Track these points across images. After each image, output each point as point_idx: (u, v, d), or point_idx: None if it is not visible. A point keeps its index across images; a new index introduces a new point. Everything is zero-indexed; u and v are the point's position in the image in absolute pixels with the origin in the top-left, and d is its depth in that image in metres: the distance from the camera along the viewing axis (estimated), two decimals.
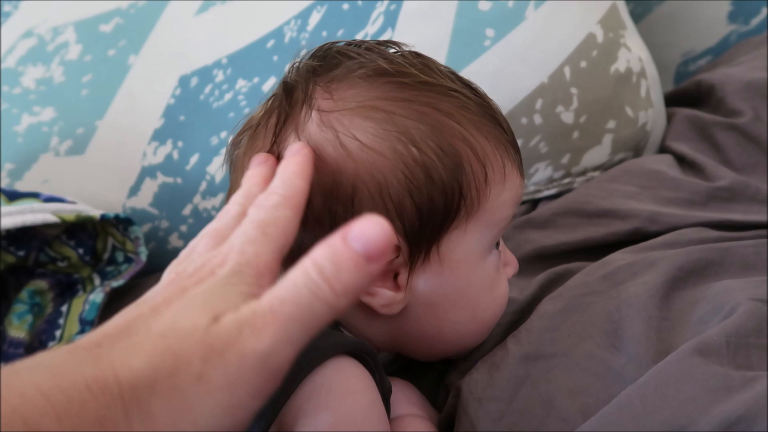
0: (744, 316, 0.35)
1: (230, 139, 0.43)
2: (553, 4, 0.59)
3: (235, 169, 0.41)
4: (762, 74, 0.59)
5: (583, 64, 0.58)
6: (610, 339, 0.39)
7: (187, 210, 0.67)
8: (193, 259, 0.29)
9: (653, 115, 0.60)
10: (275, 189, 0.31)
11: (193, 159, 0.66)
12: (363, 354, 0.34)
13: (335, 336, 0.35)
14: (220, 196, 0.66)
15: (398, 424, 0.37)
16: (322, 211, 0.35)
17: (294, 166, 0.32)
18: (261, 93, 0.64)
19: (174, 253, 0.70)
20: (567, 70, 0.58)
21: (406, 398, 0.39)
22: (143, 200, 0.68)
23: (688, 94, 0.66)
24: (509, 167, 0.37)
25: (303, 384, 0.32)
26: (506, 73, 0.58)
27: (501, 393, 0.37)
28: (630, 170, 0.55)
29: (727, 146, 0.56)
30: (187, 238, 0.68)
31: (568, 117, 0.58)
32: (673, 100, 0.67)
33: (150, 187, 0.67)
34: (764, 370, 0.32)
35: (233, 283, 0.26)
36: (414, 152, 0.34)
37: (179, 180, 0.67)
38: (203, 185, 0.66)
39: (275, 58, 0.65)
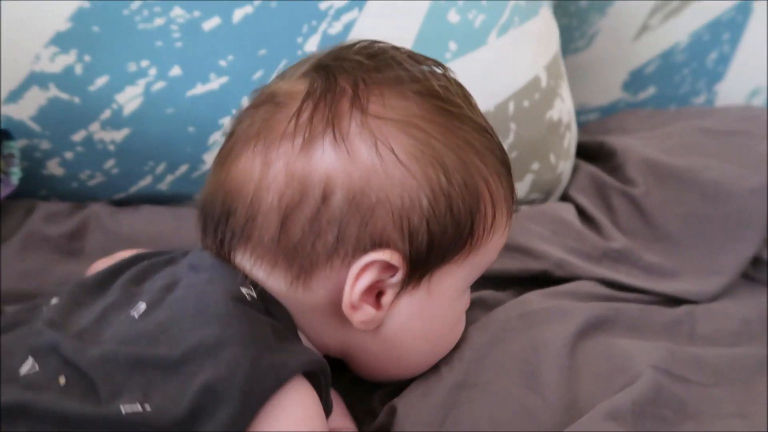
0: (646, 385, 0.40)
1: (238, 111, 0.39)
2: (514, 37, 0.62)
3: (237, 140, 0.38)
4: (657, 155, 0.67)
5: (526, 103, 0.62)
6: (528, 379, 0.42)
7: (78, 136, 0.58)
8: None
9: (569, 166, 0.66)
10: None
11: (101, 81, 0.58)
12: (318, 372, 0.34)
13: (297, 349, 0.34)
14: (125, 131, 0.58)
15: None
16: (334, 216, 0.33)
17: None
18: (200, 32, 0.58)
19: (50, 181, 0.61)
20: (511, 105, 0.61)
21: (338, 408, 0.39)
22: (24, 111, 0.58)
23: (590, 150, 0.73)
24: (507, 217, 0.38)
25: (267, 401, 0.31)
26: None
27: (432, 418, 0.39)
28: (545, 213, 0.60)
29: (619, 210, 0.64)
30: (71, 167, 0.59)
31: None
32: (577, 151, 0.73)
33: (36, 98, 0.57)
34: None
35: None
36: (443, 180, 0.34)
37: (77, 99, 0.58)
38: (107, 113, 0.58)
39: None
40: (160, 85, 0.58)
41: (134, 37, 0.58)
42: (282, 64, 0.58)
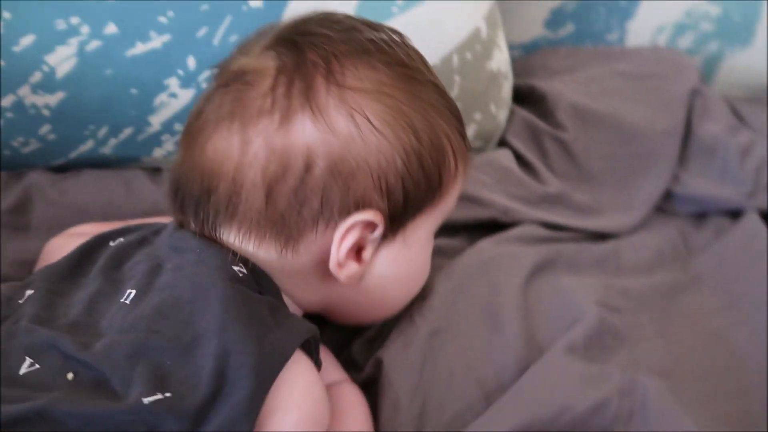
0: (593, 320, 0.47)
1: (205, 91, 0.39)
2: None
3: (207, 121, 0.38)
4: (582, 100, 0.73)
5: (468, 56, 0.64)
6: (491, 320, 0.47)
7: (6, 101, 0.54)
8: None
9: (506, 114, 0.70)
10: None
11: (26, 40, 0.53)
12: (310, 339, 0.36)
13: (291, 322, 0.36)
14: (60, 95, 0.55)
15: (333, 394, 0.40)
16: (318, 184, 0.35)
17: None
18: None
19: None
20: (455, 58, 0.63)
21: (329, 364, 0.42)
22: None
23: (521, 93, 0.77)
24: (466, 165, 0.42)
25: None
26: None
27: (414, 366, 0.43)
28: (490, 162, 0.64)
29: (551, 153, 0.69)
30: (1, 135, 0.55)
31: None
32: None
33: None
34: (606, 363, 0.45)
35: None
36: (413, 141, 0.37)
37: (1, 62, 0.53)
38: (37, 76, 0.54)
39: None
40: (95, 44, 0.54)
41: None
42: (226, 21, 0.56)
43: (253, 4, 0.57)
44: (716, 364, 0.47)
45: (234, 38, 0.57)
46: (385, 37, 0.39)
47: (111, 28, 0.54)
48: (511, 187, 0.63)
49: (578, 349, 0.44)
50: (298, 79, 0.36)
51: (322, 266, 0.38)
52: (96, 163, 0.59)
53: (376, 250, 0.39)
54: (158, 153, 0.60)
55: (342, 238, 0.37)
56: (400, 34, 0.42)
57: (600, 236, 0.63)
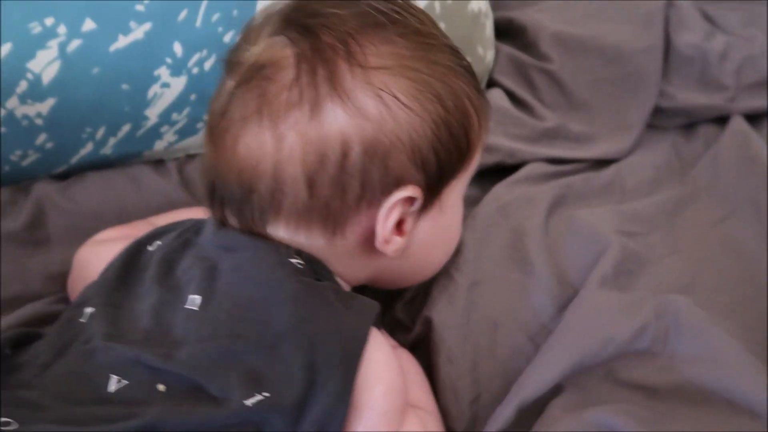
0: (617, 249, 0.49)
1: (219, 89, 0.38)
2: None
3: (233, 120, 0.37)
4: (563, 27, 0.73)
5: (449, 1, 0.63)
6: (521, 264, 0.50)
7: None
8: None
9: (492, 54, 0.70)
10: None
11: (3, 50, 0.51)
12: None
13: (356, 303, 0.37)
14: (50, 101, 0.53)
15: None
16: (356, 168, 0.36)
17: None
18: None
19: None
20: (437, 5, 0.63)
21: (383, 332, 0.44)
22: None
23: (500, 26, 0.77)
24: (487, 120, 0.43)
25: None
26: None
27: (460, 320, 0.45)
28: None
29: (540, 87, 0.70)
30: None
31: None
32: None
33: None
34: (635, 288, 0.48)
35: None
36: (441, 111, 0.38)
37: None
38: (23, 85, 0.52)
39: None
40: (75, 43, 0.52)
41: None
42: (204, 3, 0.54)
43: None
44: (730, 273, 0.50)
45: (216, 17, 0.55)
46: (391, 4, 0.39)
47: (89, 24, 0.52)
48: (511, 127, 0.64)
49: (609, 280, 0.47)
50: (320, 66, 0.36)
51: (368, 244, 0.39)
52: (98, 164, 0.58)
53: (416, 220, 0.40)
54: (159, 145, 0.59)
55: (386, 217, 0.38)
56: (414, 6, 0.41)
57: (601, 163, 0.65)
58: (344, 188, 0.37)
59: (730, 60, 0.74)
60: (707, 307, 0.45)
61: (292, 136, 0.36)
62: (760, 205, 0.57)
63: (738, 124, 0.68)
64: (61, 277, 0.50)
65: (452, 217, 0.44)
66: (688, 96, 0.71)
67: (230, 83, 0.38)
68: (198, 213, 0.44)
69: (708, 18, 0.80)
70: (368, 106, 0.36)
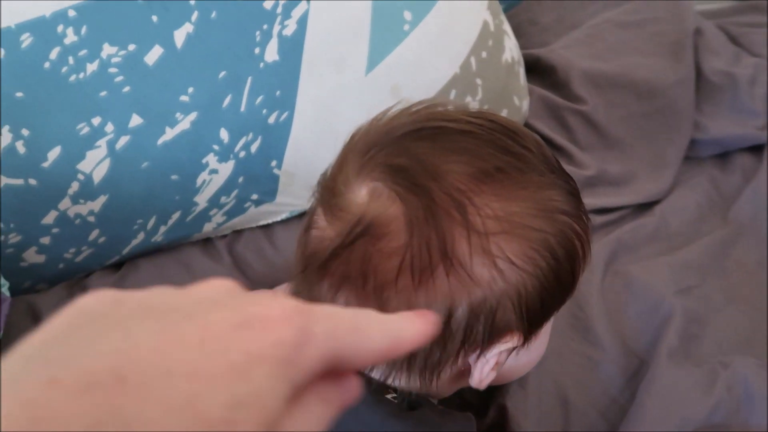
0: (680, 317, 0.50)
1: (306, 236, 0.37)
2: None
3: (334, 277, 0.35)
4: (592, 64, 0.73)
5: (484, 54, 0.63)
6: (583, 334, 0.50)
7: (49, 218, 0.53)
8: None
9: (527, 102, 0.70)
10: None
11: (53, 154, 0.51)
12: None
13: (452, 418, 0.38)
14: (102, 199, 0.53)
15: None
16: (460, 325, 0.35)
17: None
18: (145, 67, 0.52)
19: (32, 271, 0.54)
20: (473, 61, 0.62)
21: None
22: None
23: (527, 66, 0.76)
24: (590, 244, 0.40)
25: None
26: (425, 62, 0.59)
27: (532, 403, 0.46)
28: None
29: (575, 128, 0.70)
30: (52, 251, 0.54)
31: (474, 107, 0.63)
32: None
33: None
34: (702, 354, 0.48)
35: None
36: (552, 263, 0.36)
37: (33, 181, 0.51)
38: (74, 186, 0.52)
39: (154, 18, 0.52)
40: (124, 140, 0.52)
41: (70, 93, 0.50)
42: (248, 83, 0.54)
43: (269, 59, 0.55)
44: None
45: (260, 99, 0.55)
46: (498, 141, 0.35)
47: (136, 120, 0.52)
48: None
49: (675, 351, 0.48)
50: (433, 233, 0.33)
51: (460, 375, 0.39)
52: (148, 252, 0.58)
53: (511, 352, 0.39)
54: (208, 227, 0.59)
55: (485, 363, 0.37)
56: (500, 121, 0.37)
57: (643, 205, 0.65)
58: (446, 341, 0.36)
59: (759, 84, 0.74)
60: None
61: (397, 301, 0.34)
62: None
63: None
64: None
65: (545, 337, 0.42)
66: (721, 126, 0.72)
67: (330, 232, 0.36)
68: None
69: (733, 39, 0.80)
70: (482, 274, 0.34)
